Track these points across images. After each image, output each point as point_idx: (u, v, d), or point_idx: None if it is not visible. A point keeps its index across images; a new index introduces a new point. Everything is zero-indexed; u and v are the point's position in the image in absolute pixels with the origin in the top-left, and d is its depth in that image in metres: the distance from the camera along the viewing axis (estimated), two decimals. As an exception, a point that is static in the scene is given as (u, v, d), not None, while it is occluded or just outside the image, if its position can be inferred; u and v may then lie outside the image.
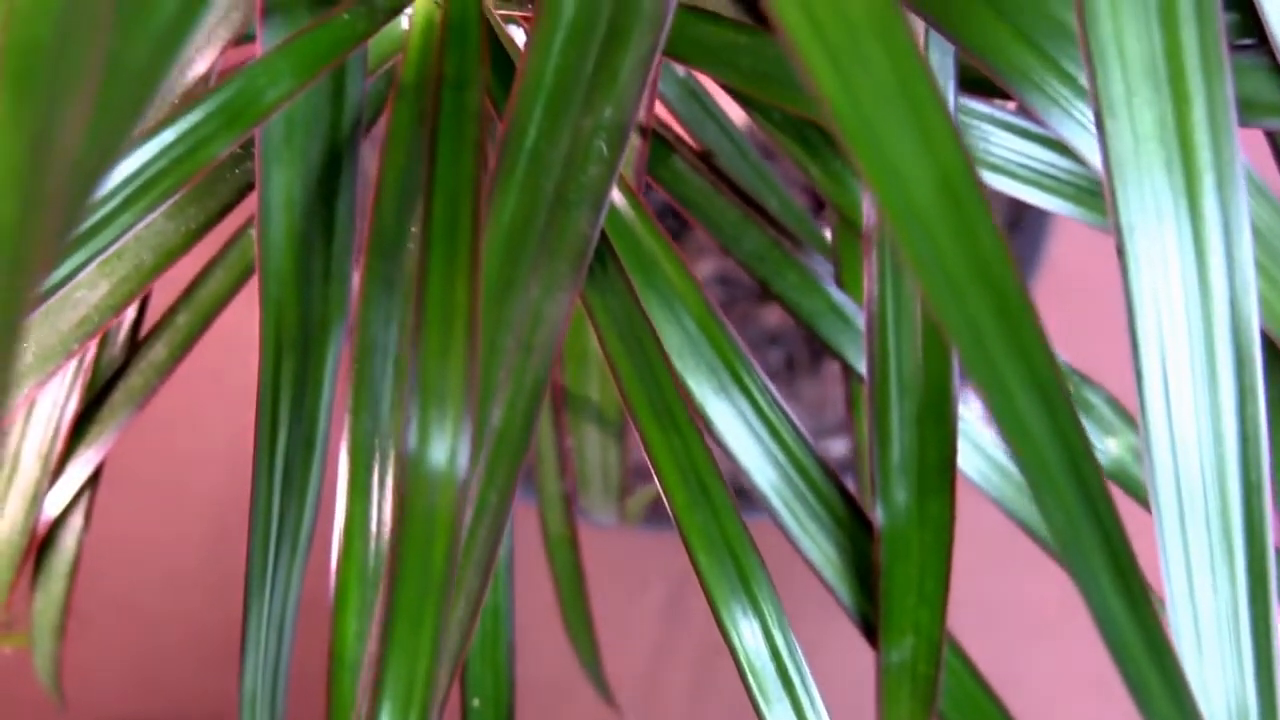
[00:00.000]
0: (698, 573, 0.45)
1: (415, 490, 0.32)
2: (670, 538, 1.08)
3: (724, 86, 0.46)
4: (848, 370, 0.56)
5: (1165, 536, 0.39)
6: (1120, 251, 0.38)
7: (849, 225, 0.52)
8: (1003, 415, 0.31)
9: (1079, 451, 0.32)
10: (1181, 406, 0.38)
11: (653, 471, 0.44)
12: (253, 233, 0.54)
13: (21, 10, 0.25)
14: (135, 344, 0.58)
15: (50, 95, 0.25)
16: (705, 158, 0.56)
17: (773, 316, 1.12)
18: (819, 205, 1.01)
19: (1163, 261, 0.38)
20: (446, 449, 0.33)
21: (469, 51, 0.39)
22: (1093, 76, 0.36)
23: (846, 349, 0.55)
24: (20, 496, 0.58)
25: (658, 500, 1.07)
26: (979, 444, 0.55)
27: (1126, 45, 0.36)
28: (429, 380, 0.33)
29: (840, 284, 0.54)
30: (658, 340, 0.43)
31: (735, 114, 0.64)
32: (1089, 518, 0.32)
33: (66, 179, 0.25)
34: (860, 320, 0.54)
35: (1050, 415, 0.31)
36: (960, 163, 0.31)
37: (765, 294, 0.54)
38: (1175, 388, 0.38)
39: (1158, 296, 0.38)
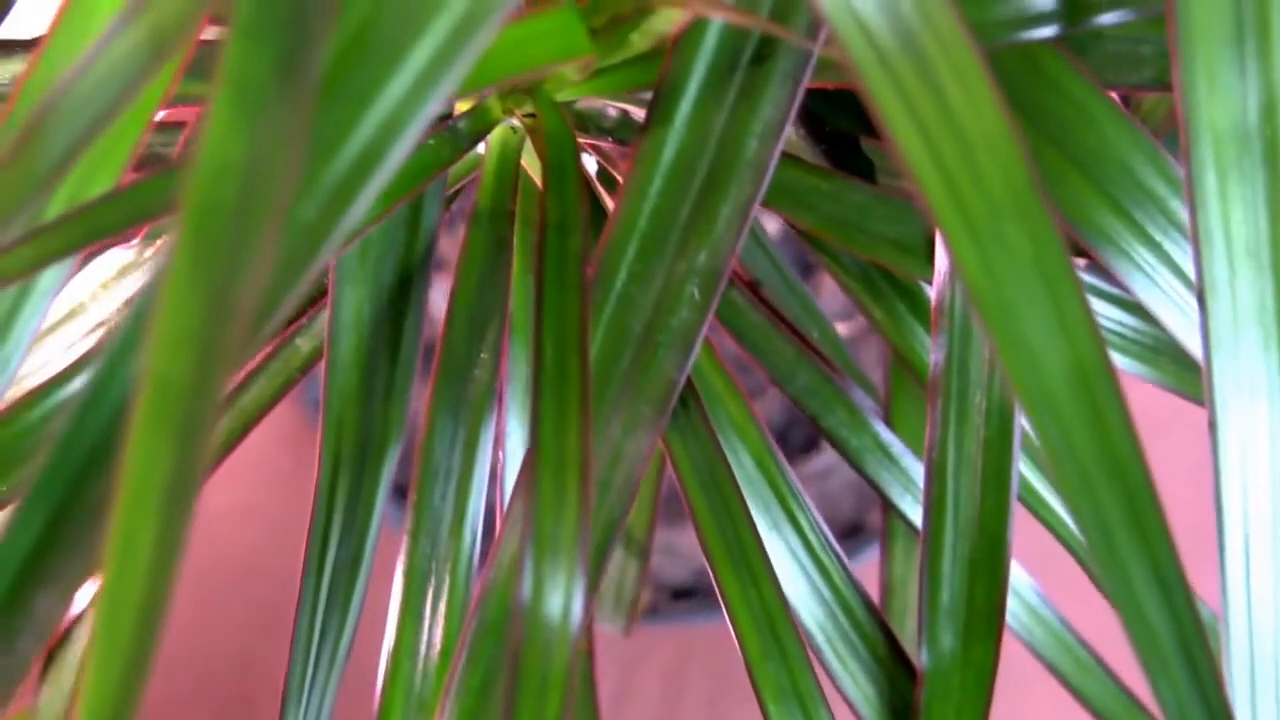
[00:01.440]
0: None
1: (531, 644, 0.32)
2: (664, 629, 1.08)
3: (799, 229, 0.47)
4: (886, 506, 0.56)
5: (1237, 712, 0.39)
6: (1212, 426, 0.38)
7: (906, 367, 0.52)
8: (1122, 600, 0.31)
9: (1194, 640, 0.32)
10: (1262, 588, 0.39)
11: (726, 617, 0.44)
12: (299, 342, 0.54)
13: (204, 172, 0.25)
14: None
15: (228, 256, 0.25)
16: (754, 287, 0.57)
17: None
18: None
19: (1254, 439, 0.38)
20: (561, 602, 0.33)
21: (569, 193, 0.39)
22: (1198, 255, 0.37)
23: (890, 487, 0.55)
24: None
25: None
26: (1018, 590, 0.55)
27: (1233, 228, 0.36)
28: (543, 532, 0.33)
29: (888, 422, 0.55)
30: (738, 489, 0.43)
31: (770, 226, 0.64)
32: (1200, 704, 0.32)
33: (240, 338, 0.25)
34: (906, 459, 0.54)
35: (1169, 606, 0.31)
36: (1095, 350, 0.31)
37: (813, 426, 0.54)
38: (1257, 567, 0.39)
39: (1246, 474, 0.38)
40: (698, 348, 0.41)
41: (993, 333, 0.31)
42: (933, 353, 0.47)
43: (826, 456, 1.12)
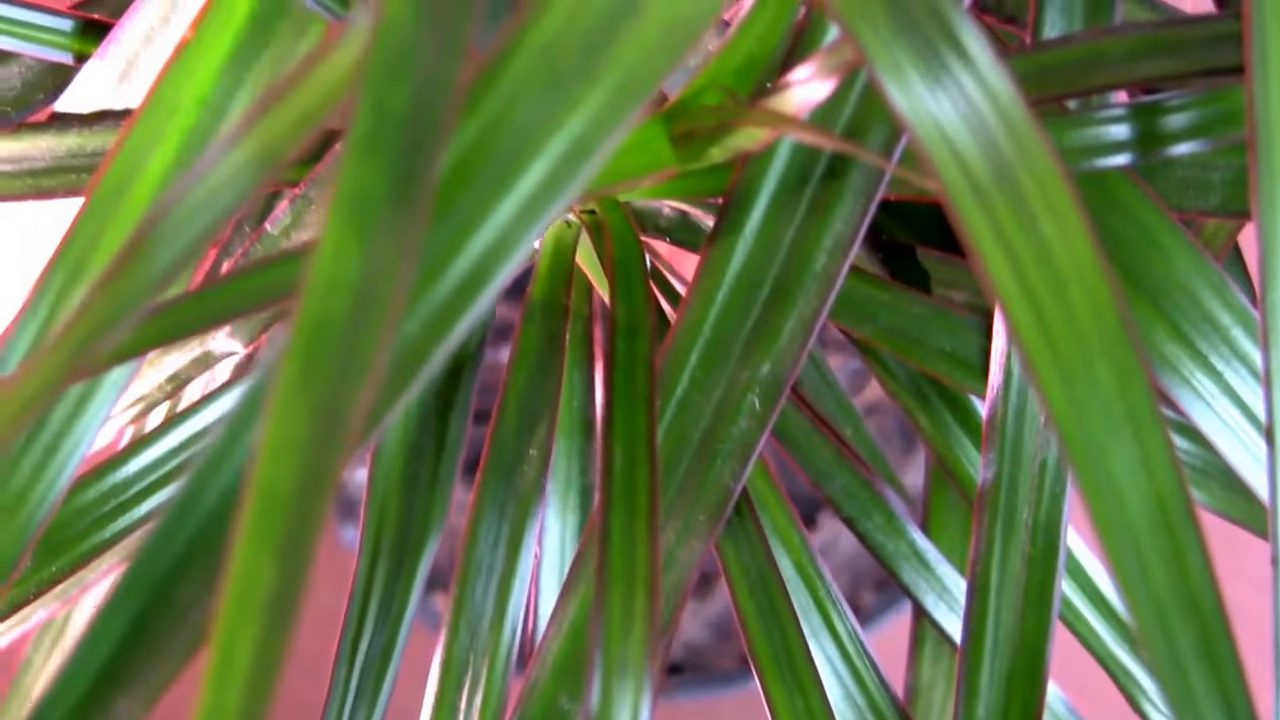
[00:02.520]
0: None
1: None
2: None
3: (853, 337, 0.47)
4: (919, 612, 0.56)
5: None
6: (1274, 561, 0.38)
7: (948, 476, 0.52)
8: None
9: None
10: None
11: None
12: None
13: (317, 286, 0.25)
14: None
15: (338, 370, 0.25)
16: (794, 385, 0.57)
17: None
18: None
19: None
20: (629, 717, 0.33)
21: (637, 297, 0.39)
22: (1269, 395, 0.37)
23: (924, 594, 0.54)
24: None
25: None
26: (1049, 702, 0.55)
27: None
28: (612, 647, 0.33)
29: (924, 528, 0.54)
30: (788, 599, 0.43)
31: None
32: None
33: (347, 451, 0.25)
34: (942, 567, 0.54)
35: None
36: (1177, 489, 0.31)
37: (849, 527, 0.54)
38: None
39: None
40: (755, 457, 0.41)
41: (1075, 466, 0.31)
42: (982, 468, 0.47)
43: (823, 533, 1.12)
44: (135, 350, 0.29)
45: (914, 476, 1.08)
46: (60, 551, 0.39)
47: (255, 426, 0.29)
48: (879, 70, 0.32)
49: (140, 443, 0.40)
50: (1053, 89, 0.37)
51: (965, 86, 0.31)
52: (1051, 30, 0.42)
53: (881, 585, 1.12)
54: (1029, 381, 0.30)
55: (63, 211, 0.50)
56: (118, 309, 0.26)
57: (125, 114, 0.48)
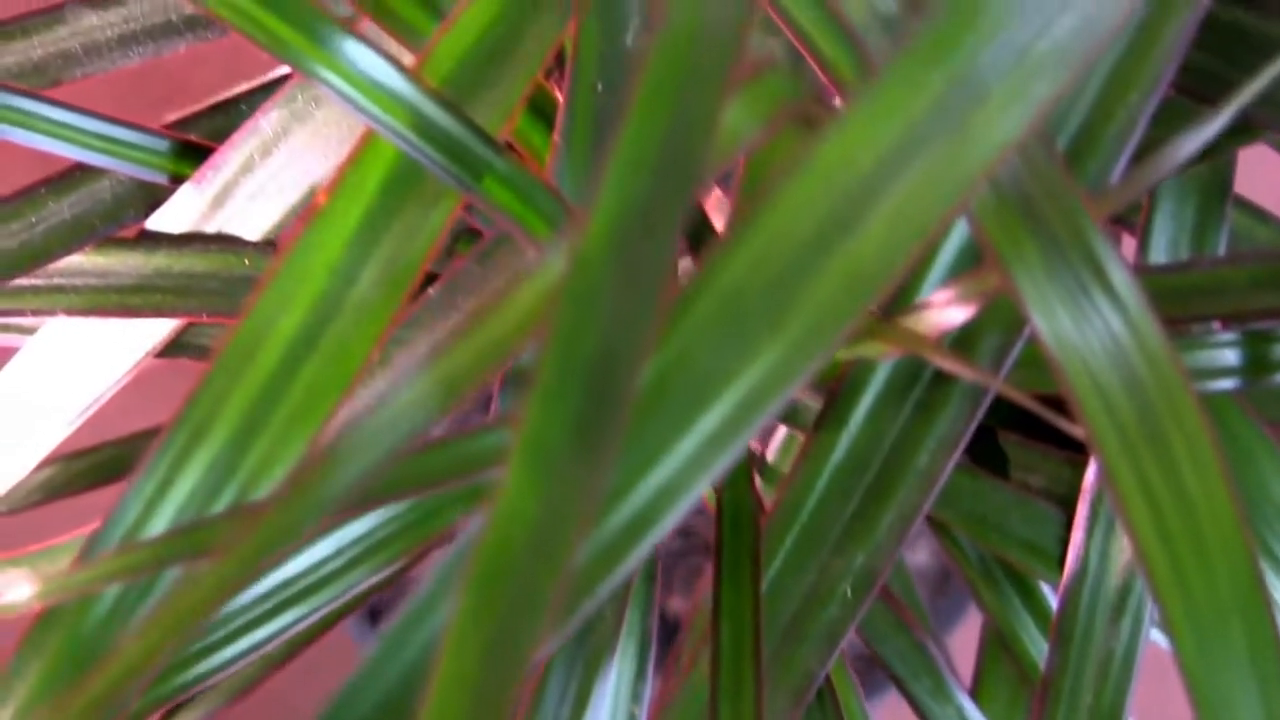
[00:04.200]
0: None
1: None
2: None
3: (930, 516, 0.47)
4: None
5: None
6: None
7: (1004, 650, 0.52)
8: None
9: None
10: None
11: None
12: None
13: (497, 526, 0.25)
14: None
15: (511, 609, 0.25)
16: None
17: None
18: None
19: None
20: None
21: (741, 485, 0.39)
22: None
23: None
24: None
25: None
26: None
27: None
28: None
29: (974, 695, 0.54)
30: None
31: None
32: None
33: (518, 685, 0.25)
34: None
35: None
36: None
37: (898, 687, 0.54)
38: None
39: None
40: (841, 645, 0.41)
41: (1200, 711, 0.31)
42: (1050, 653, 0.47)
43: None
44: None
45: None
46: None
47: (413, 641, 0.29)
48: (1027, 301, 0.32)
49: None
50: (1174, 312, 0.38)
51: (1112, 325, 0.31)
52: (1160, 236, 0.42)
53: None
54: (1161, 625, 0.30)
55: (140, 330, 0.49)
56: (292, 525, 0.26)
57: (216, 238, 0.48)
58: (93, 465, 0.60)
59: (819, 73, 0.36)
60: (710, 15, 0.26)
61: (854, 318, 0.27)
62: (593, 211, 0.26)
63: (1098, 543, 0.45)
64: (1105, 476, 0.31)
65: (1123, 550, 0.45)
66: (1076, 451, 0.48)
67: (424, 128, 0.36)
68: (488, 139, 0.37)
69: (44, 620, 0.35)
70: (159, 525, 0.35)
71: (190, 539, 0.32)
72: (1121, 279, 0.32)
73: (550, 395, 0.25)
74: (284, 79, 0.49)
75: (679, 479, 0.27)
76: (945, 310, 0.33)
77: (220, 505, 0.35)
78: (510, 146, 0.41)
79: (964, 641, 0.58)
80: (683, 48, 0.26)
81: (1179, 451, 0.31)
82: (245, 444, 0.35)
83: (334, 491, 0.26)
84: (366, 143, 0.36)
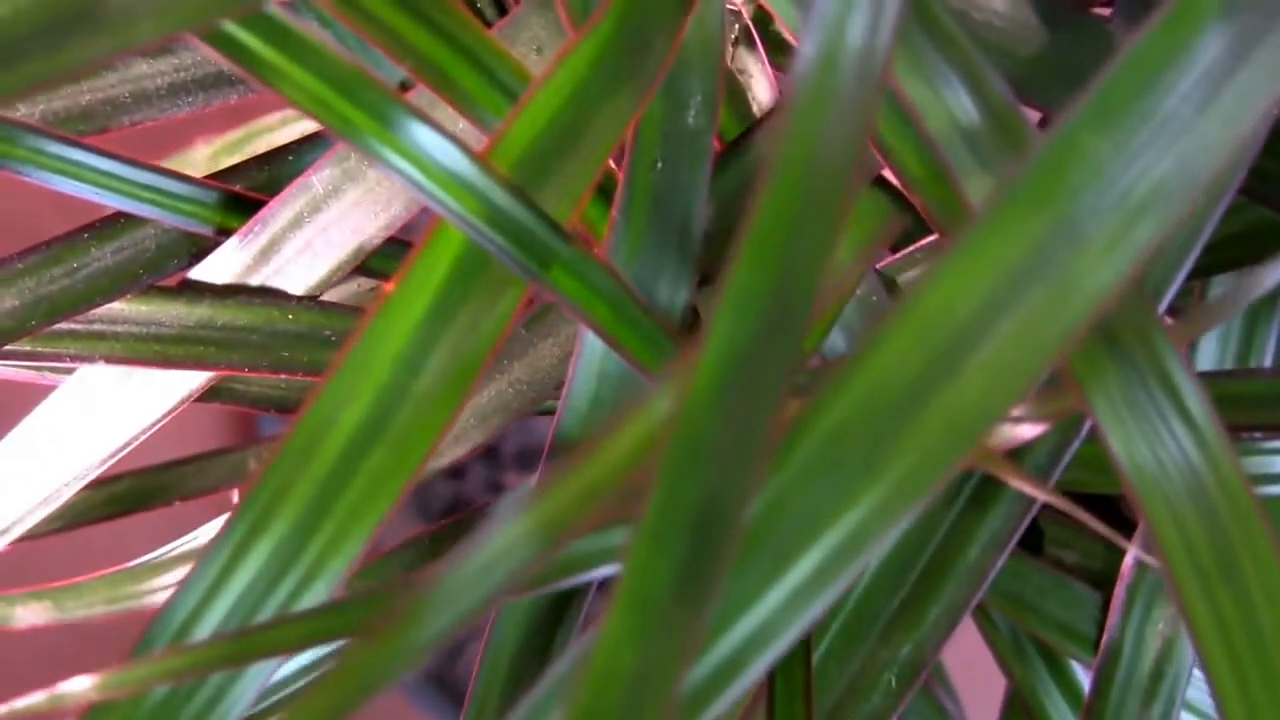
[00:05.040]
0: None
1: None
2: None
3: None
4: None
5: None
6: None
7: (1028, 716, 0.52)
8: None
9: None
10: None
11: None
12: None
13: (594, 674, 0.25)
14: None
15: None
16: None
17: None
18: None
19: None
20: None
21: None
22: None
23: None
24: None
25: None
26: None
27: None
28: None
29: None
30: None
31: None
32: None
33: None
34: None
35: None
36: None
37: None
38: None
39: None
40: (884, 733, 0.41)
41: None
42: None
43: None
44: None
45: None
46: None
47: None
48: (1105, 427, 0.32)
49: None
50: (1234, 419, 0.38)
51: (1189, 455, 0.32)
52: (1208, 342, 0.43)
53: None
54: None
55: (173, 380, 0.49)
56: (387, 669, 0.26)
57: (261, 291, 0.48)
58: (111, 496, 0.60)
59: (905, 189, 0.36)
60: (823, 154, 0.26)
61: (953, 465, 0.27)
62: (701, 356, 0.25)
63: (1133, 626, 0.45)
64: (1179, 604, 0.31)
65: (1158, 635, 0.46)
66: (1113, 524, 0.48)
67: (494, 217, 0.36)
68: (556, 227, 0.37)
69: (96, 711, 0.35)
70: (219, 612, 0.35)
71: (242, 645, 0.32)
72: (1199, 408, 0.32)
73: (654, 544, 0.25)
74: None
75: (772, 624, 0.27)
76: (1019, 427, 0.33)
77: (280, 595, 0.35)
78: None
79: (984, 700, 0.58)
80: (795, 189, 0.26)
81: (1255, 591, 0.31)
82: (307, 534, 0.35)
83: (430, 635, 0.26)
84: (435, 229, 0.36)
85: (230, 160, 0.70)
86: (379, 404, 0.35)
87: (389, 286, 0.36)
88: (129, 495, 0.62)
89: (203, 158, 0.70)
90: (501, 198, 0.36)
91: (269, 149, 0.63)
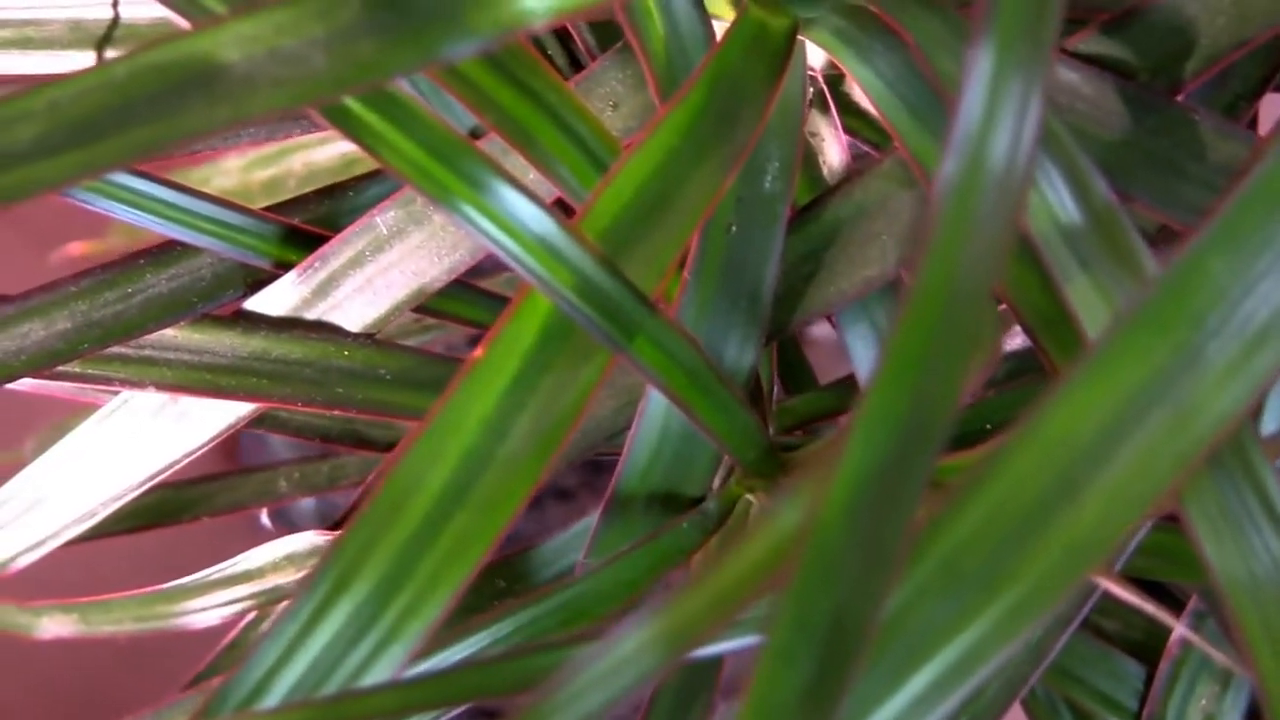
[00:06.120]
0: None
1: None
2: None
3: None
4: None
5: None
6: None
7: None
8: None
9: None
10: None
11: None
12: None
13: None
14: None
15: None
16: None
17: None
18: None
19: None
20: None
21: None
22: None
23: None
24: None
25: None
26: None
27: None
28: None
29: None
30: None
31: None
32: None
33: None
34: None
35: None
36: None
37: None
38: None
39: None
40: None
41: None
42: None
43: None
44: None
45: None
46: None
47: None
48: (1200, 535, 0.32)
49: None
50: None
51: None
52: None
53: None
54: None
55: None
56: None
57: (317, 325, 0.48)
58: (140, 509, 0.60)
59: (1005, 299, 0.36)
60: (963, 276, 0.26)
61: (1071, 586, 0.27)
62: (837, 472, 0.26)
63: (1176, 702, 0.46)
64: (1267, 707, 0.32)
65: (1199, 712, 0.46)
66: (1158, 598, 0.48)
67: (584, 288, 0.36)
68: (642, 299, 0.37)
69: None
70: (296, 671, 0.35)
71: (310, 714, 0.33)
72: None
73: (782, 656, 0.25)
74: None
75: (889, 736, 0.27)
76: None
77: (356, 657, 0.35)
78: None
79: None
80: (936, 311, 0.26)
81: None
82: (388, 595, 0.35)
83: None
84: (524, 297, 0.36)
85: (263, 173, 0.70)
86: (465, 468, 0.35)
87: (479, 351, 0.36)
88: (158, 508, 0.62)
89: (235, 168, 0.70)
90: (591, 269, 0.36)
91: (305, 169, 0.63)
